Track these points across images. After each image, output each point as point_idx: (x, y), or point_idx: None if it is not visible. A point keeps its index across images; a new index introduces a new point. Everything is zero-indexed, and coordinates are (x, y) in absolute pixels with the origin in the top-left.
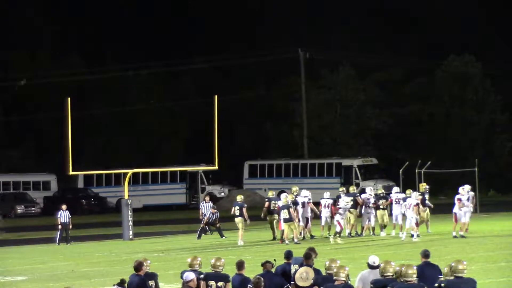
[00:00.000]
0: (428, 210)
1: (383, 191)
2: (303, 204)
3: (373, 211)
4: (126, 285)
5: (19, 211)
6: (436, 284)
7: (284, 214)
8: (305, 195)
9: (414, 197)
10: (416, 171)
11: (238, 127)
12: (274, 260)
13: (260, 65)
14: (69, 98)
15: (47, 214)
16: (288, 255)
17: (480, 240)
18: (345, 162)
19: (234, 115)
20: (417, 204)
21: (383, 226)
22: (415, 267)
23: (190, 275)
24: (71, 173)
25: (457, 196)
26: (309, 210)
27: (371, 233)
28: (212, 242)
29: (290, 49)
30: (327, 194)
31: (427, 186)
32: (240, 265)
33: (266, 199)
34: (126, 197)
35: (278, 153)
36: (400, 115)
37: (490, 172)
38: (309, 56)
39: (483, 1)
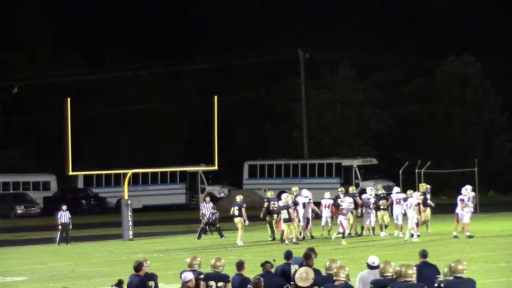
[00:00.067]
0: (429, 210)
1: (383, 191)
2: (304, 204)
3: (373, 211)
4: (124, 285)
5: (19, 211)
6: (436, 284)
7: (284, 214)
8: (305, 195)
9: (415, 197)
10: (416, 171)
11: (238, 127)
12: (274, 260)
13: (260, 65)
14: (69, 98)
15: (47, 214)
16: (288, 255)
17: (480, 240)
18: (345, 162)
19: (234, 115)
20: (418, 204)
21: (385, 227)
22: (414, 267)
23: (189, 275)
24: (71, 173)
25: (459, 197)
26: (310, 211)
27: (371, 233)
28: (212, 243)
29: (290, 49)
30: (327, 194)
31: (429, 186)
32: (240, 265)
33: (265, 199)
34: (126, 197)
35: (278, 153)
36: (400, 115)
37: (490, 172)
38: (309, 56)
39: (483, 1)
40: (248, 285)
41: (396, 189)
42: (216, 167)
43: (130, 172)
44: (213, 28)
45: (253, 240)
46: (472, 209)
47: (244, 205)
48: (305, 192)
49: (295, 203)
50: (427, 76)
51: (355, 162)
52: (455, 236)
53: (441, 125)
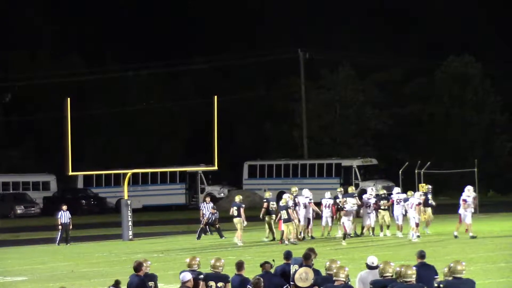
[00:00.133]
0: (430, 210)
1: (385, 191)
2: (305, 204)
3: (373, 211)
4: (121, 285)
5: (18, 211)
6: (436, 285)
7: (283, 214)
8: (306, 196)
9: (416, 197)
10: (416, 171)
11: (238, 127)
12: (273, 260)
13: (260, 65)
14: (68, 98)
15: (46, 214)
16: (288, 255)
17: (479, 241)
18: (345, 162)
19: (234, 115)
20: (419, 204)
21: (387, 227)
22: (414, 268)
23: (187, 276)
24: (71, 173)
25: (462, 197)
26: (310, 211)
27: (371, 233)
28: (212, 243)
29: (290, 49)
30: (328, 194)
31: (430, 186)
32: (239, 265)
33: (265, 200)
34: (126, 197)
35: (278, 154)
36: (400, 115)
37: (490, 172)
38: (308, 56)
39: (483, 1)
40: (248, 286)
41: (396, 189)
42: (216, 167)
43: (130, 172)
44: (213, 28)
45: (253, 240)
46: (472, 210)
47: (243, 205)
48: (306, 192)
49: (295, 203)
50: (427, 76)
51: (355, 162)
52: (456, 236)
53: (441, 125)
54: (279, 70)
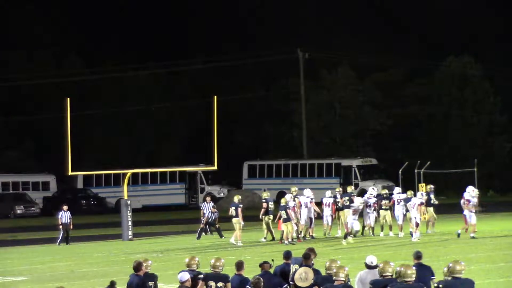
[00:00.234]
0: (432, 210)
1: (386, 191)
2: (306, 204)
3: (373, 211)
4: (116, 287)
5: (18, 211)
6: (435, 285)
7: (283, 214)
8: (307, 195)
9: (418, 197)
10: (416, 171)
11: (238, 127)
12: (272, 260)
13: (260, 65)
14: (68, 98)
15: (46, 214)
16: (287, 255)
17: (479, 241)
18: (345, 162)
19: (233, 115)
20: (422, 204)
21: (389, 227)
22: (414, 268)
23: (185, 276)
24: (70, 173)
25: (466, 198)
26: (312, 210)
27: (371, 233)
28: (212, 243)
29: (290, 49)
30: (328, 193)
31: (432, 186)
32: (239, 265)
33: (264, 200)
34: (126, 197)
35: (278, 154)
36: (399, 115)
37: (490, 172)
38: (308, 56)
39: (483, 1)
40: (247, 286)
41: (397, 189)
42: (215, 167)
43: (129, 172)
44: (213, 28)
45: (252, 241)
46: (476, 209)
47: (241, 205)
48: (307, 192)
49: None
50: (427, 77)
51: (355, 162)
52: (458, 234)
53: (440, 125)
54: (279, 70)
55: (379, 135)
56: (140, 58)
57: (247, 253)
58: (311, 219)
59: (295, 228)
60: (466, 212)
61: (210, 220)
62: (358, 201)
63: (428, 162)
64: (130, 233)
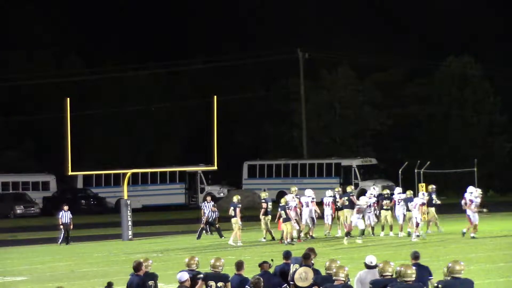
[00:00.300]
0: (434, 210)
1: (387, 191)
2: (307, 203)
3: (373, 211)
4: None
5: (18, 211)
6: (435, 285)
7: (283, 214)
8: (309, 195)
9: (420, 197)
10: (416, 171)
11: (238, 127)
12: (272, 260)
13: (260, 65)
14: (68, 98)
15: (46, 214)
16: (287, 255)
17: (479, 241)
18: (344, 162)
19: (233, 115)
20: (423, 204)
21: (390, 227)
22: (414, 267)
23: (184, 276)
24: (70, 173)
25: (469, 198)
26: (313, 211)
27: (371, 233)
28: (212, 243)
29: (290, 49)
30: (329, 192)
31: (434, 186)
32: (239, 265)
33: (263, 200)
34: (126, 197)
35: (278, 153)
36: (399, 115)
37: (490, 172)
38: (307, 56)
39: (483, 1)
40: (246, 286)
41: (398, 189)
42: (215, 167)
43: (129, 172)
44: (213, 28)
45: (252, 240)
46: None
47: (239, 205)
48: (308, 192)
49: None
50: (427, 77)
51: (355, 162)
52: (463, 233)
53: (440, 125)
54: (279, 70)
55: (379, 135)
56: (140, 58)
57: (247, 253)
58: (313, 219)
59: (297, 228)
60: (469, 212)
61: (210, 219)
62: (363, 200)
63: (428, 162)
64: (130, 233)
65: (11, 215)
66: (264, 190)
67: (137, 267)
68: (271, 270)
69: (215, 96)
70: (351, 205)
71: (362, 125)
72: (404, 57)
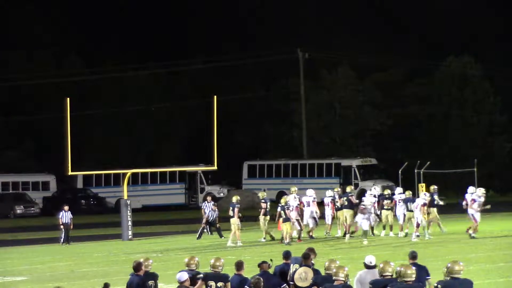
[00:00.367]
0: (436, 211)
1: (389, 191)
2: (308, 203)
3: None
4: None
5: (18, 211)
6: (435, 285)
7: (282, 214)
8: (310, 195)
9: (422, 197)
10: (415, 171)
11: (238, 127)
12: (271, 260)
13: (260, 65)
14: (68, 98)
15: (46, 214)
16: (287, 255)
17: (479, 241)
18: (344, 162)
19: (233, 115)
20: (424, 204)
21: (390, 227)
22: (414, 268)
23: (184, 276)
24: (70, 173)
25: (472, 197)
26: (315, 210)
27: (371, 233)
28: (211, 243)
29: (290, 49)
30: (329, 192)
31: (436, 187)
32: (239, 265)
33: (263, 200)
34: (125, 197)
35: (278, 154)
36: (399, 115)
37: (490, 172)
38: (307, 56)
39: (483, 1)
40: (246, 286)
41: (398, 189)
42: (215, 167)
43: (129, 172)
44: (213, 28)
45: (252, 240)
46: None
47: (238, 205)
48: (309, 191)
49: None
50: (427, 77)
51: (355, 162)
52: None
53: (440, 125)
54: (279, 70)
55: (379, 135)
56: (140, 58)
57: (247, 253)
58: (315, 218)
59: (298, 228)
60: (471, 211)
61: (210, 218)
62: (368, 200)
63: (428, 162)
64: (130, 233)
65: (11, 215)
66: (264, 190)
67: (137, 267)
68: (271, 270)
69: (215, 96)
70: (350, 205)
71: (362, 125)
72: (404, 57)
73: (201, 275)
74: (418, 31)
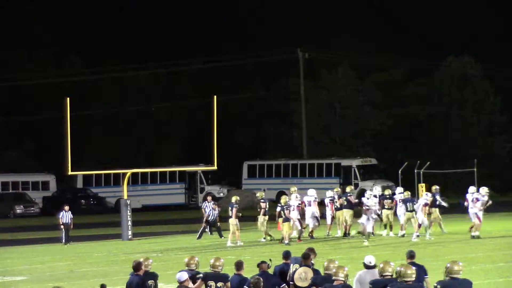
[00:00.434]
0: (437, 211)
1: (390, 191)
2: (309, 203)
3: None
4: None
5: (18, 211)
6: (435, 285)
7: (282, 214)
8: (311, 195)
9: (424, 197)
10: (415, 171)
11: (238, 127)
12: (270, 260)
13: (260, 65)
14: (68, 98)
15: (46, 214)
16: (286, 255)
17: (479, 241)
18: (344, 162)
19: (233, 115)
20: (426, 205)
21: (390, 227)
22: (414, 268)
23: (183, 276)
24: (70, 173)
25: (475, 196)
26: (316, 210)
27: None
28: (211, 242)
29: (290, 49)
30: (330, 193)
31: (438, 187)
32: (239, 265)
33: (262, 200)
34: (125, 197)
35: (277, 154)
36: (399, 115)
37: (490, 172)
38: (307, 56)
39: (483, 1)
40: (245, 286)
41: (399, 189)
42: (215, 167)
43: (129, 172)
44: (213, 28)
45: (252, 241)
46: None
47: (236, 205)
48: (311, 191)
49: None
50: (427, 77)
51: (355, 162)
52: (478, 237)
53: (440, 125)
54: (279, 70)
55: (379, 135)
56: (140, 58)
57: (246, 253)
58: (317, 218)
59: (298, 228)
60: (475, 210)
61: (211, 218)
62: (372, 201)
63: (428, 162)
64: (129, 233)
65: (11, 215)
66: (264, 190)
67: (137, 266)
68: (270, 270)
69: (215, 96)
70: (350, 205)
71: (362, 125)
72: (404, 57)
73: (201, 275)
74: (418, 31)
